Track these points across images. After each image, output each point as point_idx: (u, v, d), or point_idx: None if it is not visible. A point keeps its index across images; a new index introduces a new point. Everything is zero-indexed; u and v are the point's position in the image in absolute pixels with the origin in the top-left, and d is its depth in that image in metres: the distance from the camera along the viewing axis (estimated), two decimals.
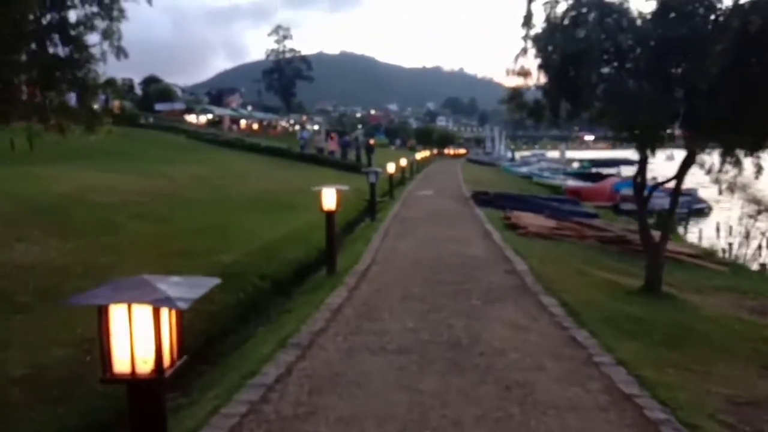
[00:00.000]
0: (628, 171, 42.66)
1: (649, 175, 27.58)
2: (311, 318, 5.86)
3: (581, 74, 6.42)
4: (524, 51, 7.02)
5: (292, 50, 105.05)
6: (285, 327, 5.93)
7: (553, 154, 73.65)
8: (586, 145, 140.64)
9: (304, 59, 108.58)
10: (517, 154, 71.15)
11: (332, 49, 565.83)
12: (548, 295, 6.87)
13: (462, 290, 7.14)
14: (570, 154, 73.56)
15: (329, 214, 7.87)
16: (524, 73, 7.24)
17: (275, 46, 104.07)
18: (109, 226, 10.60)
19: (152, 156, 23.16)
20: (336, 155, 33.33)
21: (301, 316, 6.12)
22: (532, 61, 7.04)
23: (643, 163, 7.55)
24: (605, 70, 6.53)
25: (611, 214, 21.16)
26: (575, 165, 48.37)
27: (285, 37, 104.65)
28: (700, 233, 18.12)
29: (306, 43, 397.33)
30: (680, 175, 7.46)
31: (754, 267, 12.86)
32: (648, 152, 7.04)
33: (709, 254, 12.27)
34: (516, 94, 7.54)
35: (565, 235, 11.44)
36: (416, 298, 6.78)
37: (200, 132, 38.06)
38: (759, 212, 13.26)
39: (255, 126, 60.42)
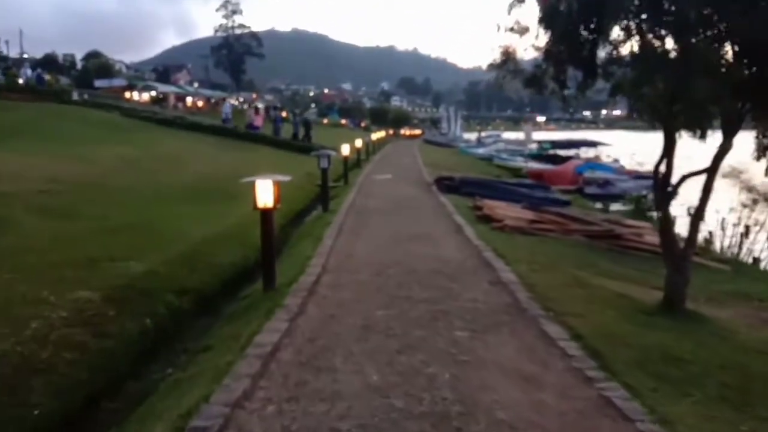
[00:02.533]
0: (588, 153, 42.03)
1: (620, 156, 26.43)
2: (231, 371, 4.06)
3: (601, 29, 4.74)
4: None
5: (241, 26, 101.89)
6: (192, 387, 4.12)
7: (510, 135, 72.93)
8: (538, 126, 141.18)
9: (255, 36, 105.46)
10: (467, 135, 69.93)
11: (284, 26, 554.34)
12: (552, 321, 5.25)
13: (440, 313, 5.45)
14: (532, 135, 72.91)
15: (265, 214, 6.04)
16: (520, 29, 5.53)
17: (224, 21, 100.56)
18: None
19: (76, 135, 20.65)
20: (261, 131, 31.25)
21: (219, 365, 4.30)
22: (530, 13, 5.32)
23: (669, 150, 5.92)
24: (632, 23, 4.86)
25: (581, 200, 19.90)
26: (532, 146, 47.43)
27: (234, 12, 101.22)
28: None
29: (257, 19, 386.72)
30: (715, 167, 5.83)
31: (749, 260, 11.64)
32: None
33: (706, 250, 10.94)
34: (509, 57, 5.80)
35: (546, 229, 9.90)
36: (381, 328, 5.05)
37: (137, 109, 35.19)
38: (755, 201, 11.99)
39: (200, 104, 57.28)
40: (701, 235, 14.95)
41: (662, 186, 6.15)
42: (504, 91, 6.42)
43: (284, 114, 58.06)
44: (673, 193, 6.26)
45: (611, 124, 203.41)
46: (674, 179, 6.40)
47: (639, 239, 10.01)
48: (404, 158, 30.51)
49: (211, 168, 17.15)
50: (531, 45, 5.54)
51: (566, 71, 5.46)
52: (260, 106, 47.25)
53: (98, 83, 61.43)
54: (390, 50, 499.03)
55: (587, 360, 4.43)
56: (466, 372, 4.20)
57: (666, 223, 6.33)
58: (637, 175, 28.11)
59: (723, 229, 12.48)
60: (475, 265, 7.33)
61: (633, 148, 53.98)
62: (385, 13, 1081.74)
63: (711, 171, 5.79)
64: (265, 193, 5.96)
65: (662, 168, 6.17)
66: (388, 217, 11.04)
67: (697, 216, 6.17)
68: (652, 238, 10.50)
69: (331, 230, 9.47)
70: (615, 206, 20.00)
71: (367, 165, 24.68)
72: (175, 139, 24.00)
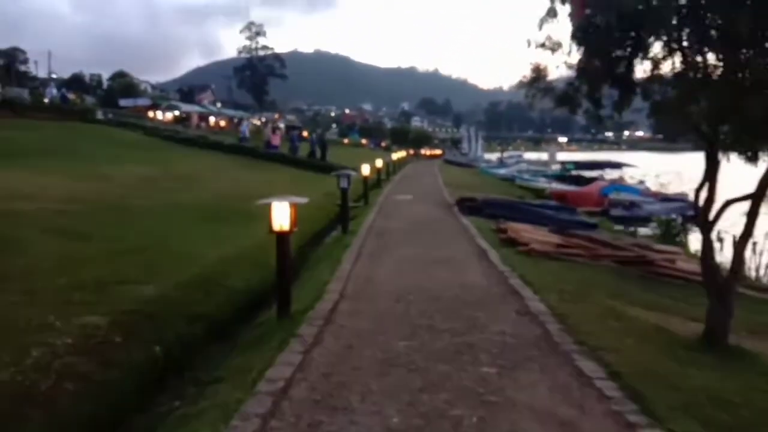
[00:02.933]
0: (612, 174, 41.36)
1: (646, 179, 25.91)
2: (241, 410, 3.74)
3: (640, 44, 4.40)
4: (552, 12, 5.00)
5: (265, 47, 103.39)
6: (199, 425, 3.81)
7: (531, 155, 72.32)
8: (560, 147, 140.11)
9: (278, 57, 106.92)
10: (488, 155, 69.46)
11: (307, 47, 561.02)
12: (587, 357, 4.86)
13: (465, 346, 5.09)
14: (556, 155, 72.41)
15: (281, 237, 5.75)
16: (552, 45, 5.21)
17: (247, 42, 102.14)
18: (10, 245, 8.36)
19: (98, 154, 20.76)
20: (278, 150, 31.27)
21: (228, 401, 3.99)
22: (563, 28, 5.01)
23: (712, 173, 5.51)
24: (674, 38, 4.51)
25: (608, 223, 19.35)
26: (555, 167, 46.89)
27: (258, 34, 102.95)
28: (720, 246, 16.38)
29: (280, 42, 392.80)
30: (762, 191, 5.37)
31: None
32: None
33: (742, 277, 10.39)
34: (540, 74, 5.48)
35: (574, 254, 9.48)
36: (402, 362, 4.71)
37: (159, 128, 35.49)
38: None
39: (223, 123, 57.75)
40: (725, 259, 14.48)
41: (704, 211, 5.72)
42: (534, 110, 6.09)
43: (305, 134, 58.25)
44: (716, 220, 5.84)
45: (634, 145, 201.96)
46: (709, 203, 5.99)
47: (671, 266, 9.55)
48: (425, 178, 30.21)
49: (230, 187, 17.01)
50: (563, 62, 5.23)
51: (601, 89, 5.13)
52: (281, 126, 47.40)
53: (123, 102, 62.52)
54: (411, 71, 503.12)
55: (627, 402, 4.03)
56: (494, 415, 3.83)
57: (708, 250, 5.90)
58: (664, 198, 27.51)
59: (756, 253, 11.94)
60: (502, 293, 6.96)
61: (657, 170, 53.24)
62: (405, 35, 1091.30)
63: (757, 196, 5.37)
64: (281, 216, 5.68)
65: (703, 192, 5.74)
66: (409, 240, 10.71)
67: (741, 244, 5.74)
68: (685, 264, 10.04)
69: (349, 253, 9.17)
70: (643, 230, 19.45)
71: (388, 185, 24.42)
72: (195, 159, 24.01)
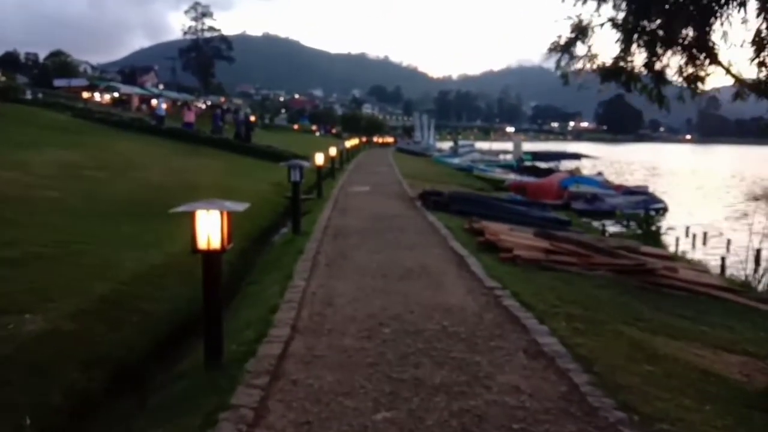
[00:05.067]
0: (566, 165, 40.78)
1: (595, 170, 25.26)
2: None
3: None
4: None
5: (211, 29, 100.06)
6: None
7: (482, 144, 71.70)
8: (507, 137, 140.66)
9: (225, 39, 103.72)
10: (440, 144, 68.63)
11: (256, 30, 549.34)
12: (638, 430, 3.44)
13: (470, 419, 3.59)
14: (497, 146, 72.09)
15: (210, 259, 4.10)
16: None
17: (193, 23, 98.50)
18: None
19: (15, 137, 18.31)
20: (193, 128, 29.21)
21: None
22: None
23: None
24: None
25: (575, 218, 18.21)
26: (507, 157, 46.15)
27: (204, 15, 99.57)
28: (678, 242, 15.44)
29: (228, 24, 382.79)
30: None
31: None
32: None
33: (747, 287, 9.30)
34: (581, 34, 3.95)
35: (566, 262, 8.14)
36: None
37: (92, 110, 32.70)
38: None
39: (165, 106, 54.66)
40: (715, 264, 13.50)
41: None
42: (570, 85, 4.63)
43: (253, 118, 55.56)
44: None
45: (579, 135, 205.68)
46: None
47: (674, 275, 8.33)
48: (380, 167, 28.69)
49: (164, 176, 15.04)
50: (609, 19, 3.76)
51: (662, 56, 3.71)
52: (202, 104, 44.07)
53: (57, 83, 58.68)
54: (361, 57, 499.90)
55: None
56: None
57: None
58: (627, 191, 26.81)
59: (757, 261, 10.86)
60: (498, 321, 5.49)
61: (611, 160, 53.32)
62: (356, 20, 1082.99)
63: None
64: (209, 229, 4.03)
65: None
66: (372, 243, 9.16)
67: None
68: (688, 273, 8.86)
69: (303, 262, 7.55)
70: (612, 227, 18.46)
71: (342, 175, 22.79)
72: (128, 143, 21.76)
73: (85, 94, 47.76)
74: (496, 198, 16.27)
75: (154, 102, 55.88)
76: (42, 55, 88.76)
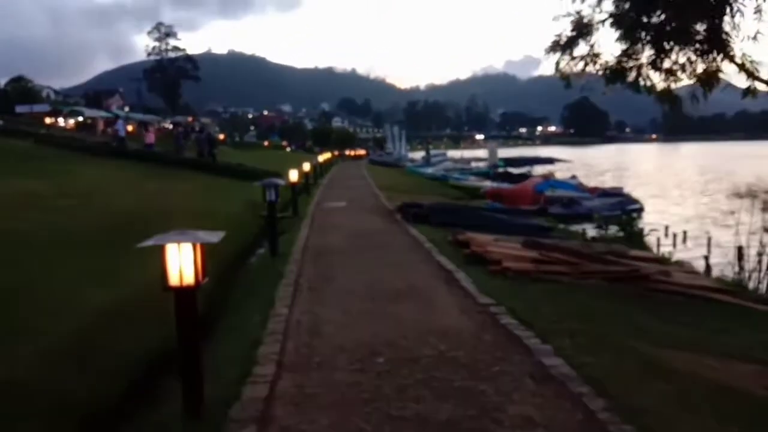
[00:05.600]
0: (540, 170, 40.83)
1: (568, 173, 25.19)
2: None
3: None
4: None
5: (176, 48, 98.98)
6: None
7: (454, 153, 71.84)
8: (477, 144, 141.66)
9: (190, 58, 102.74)
10: (412, 155, 68.63)
11: (220, 49, 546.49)
12: None
13: None
14: (468, 153, 72.37)
15: (183, 295, 3.69)
16: None
17: (156, 44, 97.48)
18: None
19: None
20: (154, 149, 28.45)
21: None
22: None
23: None
24: None
25: (552, 221, 18.04)
26: (480, 165, 46.15)
27: (168, 35, 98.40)
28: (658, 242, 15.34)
29: (192, 43, 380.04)
30: None
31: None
32: None
33: (741, 287, 9.12)
34: (583, 31, 3.65)
35: (557, 272, 7.85)
36: None
37: (55, 136, 31.77)
38: None
39: (130, 128, 53.67)
40: (699, 264, 13.38)
41: None
42: (571, 86, 4.31)
43: (222, 137, 54.55)
44: None
45: (547, 140, 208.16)
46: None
47: (668, 280, 8.10)
48: (355, 180, 28.33)
49: (132, 202, 14.44)
50: (610, 14, 3.46)
51: (671, 52, 3.42)
52: (166, 124, 42.72)
53: (19, 109, 57.19)
54: (328, 72, 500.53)
55: None
56: None
57: None
58: (602, 193, 26.85)
59: (740, 259, 10.70)
60: (498, 342, 5.15)
61: (582, 163, 53.62)
62: (322, 35, 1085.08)
63: None
64: (181, 263, 3.61)
65: None
66: (355, 262, 8.78)
67: None
68: (680, 276, 8.65)
69: (284, 287, 7.13)
70: (590, 230, 18.33)
71: (317, 190, 22.38)
72: (93, 169, 20.98)
73: (48, 120, 46.51)
74: (477, 207, 16.03)
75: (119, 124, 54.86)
76: (2, 81, 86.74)
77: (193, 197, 17.06)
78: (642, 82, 3.79)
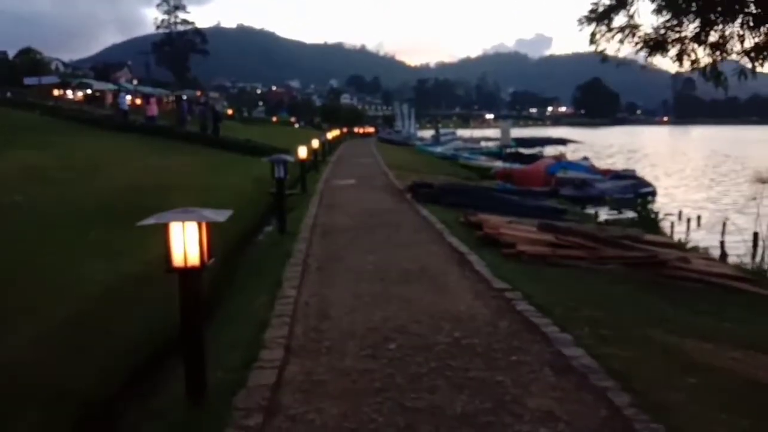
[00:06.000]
0: (551, 151, 40.35)
1: (579, 154, 24.87)
2: None
3: None
4: None
5: (184, 21, 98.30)
6: None
7: (464, 132, 71.30)
8: (487, 124, 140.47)
9: (198, 32, 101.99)
10: (421, 133, 68.15)
11: (230, 23, 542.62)
12: None
13: None
14: (478, 133, 71.82)
15: (188, 277, 3.48)
16: None
17: (165, 17, 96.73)
18: None
19: None
20: (156, 122, 27.93)
21: None
22: None
23: None
24: None
25: (565, 203, 17.75)
26: (490, 144, 45.70)
27: (176, 8, 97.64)
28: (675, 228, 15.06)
29: (202, 17, 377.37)
30: None
31: None
32: None
33: (761, 275, 8.85)
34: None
35: (574, 257, 7.62)
36: None
37: (62, 108, 31.58)
38: None
39: (139, 101, 53.40)
40: (715, 250, 13.11)
41: None
42: (609, 61, 4.01)
43: (230, 112, 54.01)
44: None
45: (557, 120, 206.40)
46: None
47: (687, 266, 7.85)
48: (364, 158, 28.03)
49: (138, 176, 14.26)
50: None
51: (718, 24, 3.15)
52: (146, 94, 41.40)
53: (27, 81, 56.98)
54: (338, 47, 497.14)
55: None
56: None
57: None
58: (614, 175, 26.46)
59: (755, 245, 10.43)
60: (515, 330, 4.93)
61: (593, 144, 53.04)
62: (332, 10, 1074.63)
63: None
64: (185, 243, 3.40)
65: None
66: (364, 241, 8.57)
67: None
68: (699, 263, 8.39)
69: (292, 267, 6.93)
70: (603, 213, 18.06)
71: (325, 167, 22.12)
72: (100, 141, 20.84)
73: (56, 92, 46.27)
74: (488, 188, 15.75)
75: (126, 97, 54.59)
76: (11, 54, 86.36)
77: (200, 172, 16.87)
78: (686, 58, 3.52)
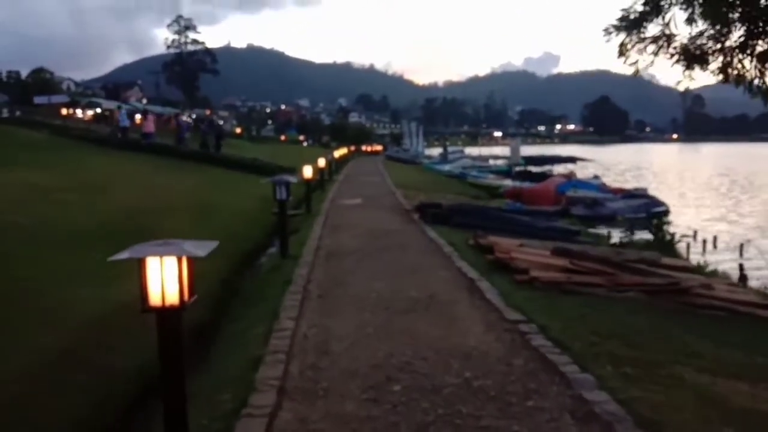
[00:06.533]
0: (560, 169, 39.93)
1: (589, 172, 24.43)
2: None
3: None
4: None
5: (195, 41, 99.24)
6: None
7: (471, 150, 71.13)
8: (495, 142, 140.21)
9: (209, 51, 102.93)
10: (429, 151, 68.14)
11: (240, 43, 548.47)
12: None
13: None
14: (486, 151, 71.61)
15: (166, 317, 3.11)
16: None
17: (176, 37, 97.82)
18: None
19: None
20: (154, 139, 27.45)
21: None
22: None
23: None
24: None
25: (577, 223, 17.29)
26: (499, 162, 45.39)
27: (187, 28, 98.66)
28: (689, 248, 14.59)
29: (212, 37, 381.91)
30: None
31: None
32: None
33: None
34: (654, 6, 2.98)
35: (590, 283, 7.19)
36: None
37: (70, 127, 31.55)
38: None
39: (127, 116, 53.55)
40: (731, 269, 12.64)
41: None
42: (636, 75, 3.66)
43: (239, 131, 53.83)
44: None
45: (565, 138, 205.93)
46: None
47: (711, 294, 7.40)
48: (371, 177, 27.71)
49: (141, 196, 13.97)
50: None
51: (765, 32, 2.78)
52: (145, 110, 40.87)
53: (38, 100, 57.36)
54: (346, 67, 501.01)
55: None
56: None
57: None
58: (626, 194, 25.99)
59: None
60: (530, 369, 4.52)
61: (604, 163, 52.59)
62: (341, 30, 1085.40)
63: None
64: (162, 279, 3.03)
65: None
66: (369, 266, 8.19)
67: None
68: (724, 290, 7.93)
69: (291, 295, 6.55)
70: (616, 233, 17.57)
71: (332, 186, 21.80)
72: (106, 161, 20.62)
73: (65, 111, 46.41)
74: (498, 208, 15.33)
75: (136, 117, 54.73)
76: (24, 73, 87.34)
77: (205, 192, 16.58)
78: (730, 71, 3.16)
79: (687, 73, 3.30)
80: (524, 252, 8.40)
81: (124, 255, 3.02)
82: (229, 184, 19.07)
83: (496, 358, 4.73)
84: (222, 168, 23.72)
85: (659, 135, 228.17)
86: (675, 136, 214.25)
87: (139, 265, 3.06)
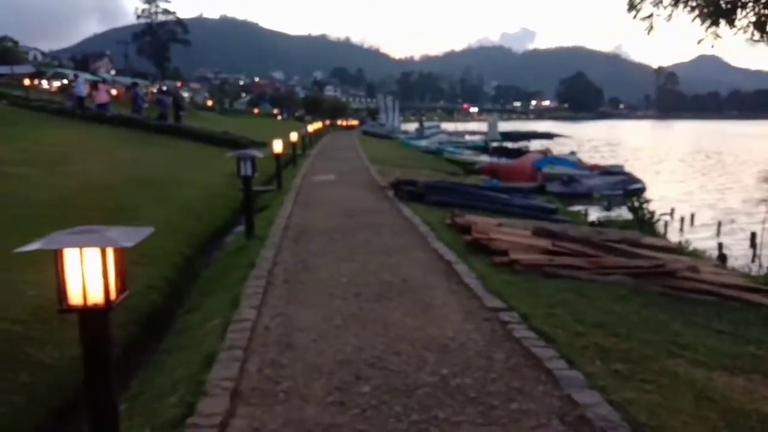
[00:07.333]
0: (536, 145, 39.69)
1: (565, 148, 24.26)
2: None
3: None
4: None
5: (166, 11, 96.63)
6: None
7: (447, 125, 70.65)
8: (471, 117, 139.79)
9: (180, 22, 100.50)
10: (405, 126, 67.58)
11: (212, 13, 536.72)
12: None
13: None
14: (463, 126, 71.25)
15: (89, 319, 2.61)
16: None
17: (146, 6, 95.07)
18: None
19: None
20: (108, 109, 26.28)
21: None
22: None
23: None
24: None
25: (553, 200, 17.01)
26: (475, 138, 45.03)
27: None
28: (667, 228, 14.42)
29: (183, 6, 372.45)
30: None
31: None
32: None
33: (761, 281, 8.12)
34: None
35: (573, 266, 6.83)
36: None
37: (30, 98, 30.25)
38: None
39: (114, 92, 51.89)
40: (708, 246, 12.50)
41: None
42: (651, 31, 3.23)
43: (210, 103, 52.59)
44: None
45: (541, 114, 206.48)
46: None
47: (697, 277, 7.10)
48: (345, 152, 27.10)
49: (105, 170, 13.27)
50: None
51: None
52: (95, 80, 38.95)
53: (0, 70, 55.17)
54: (322, 39, 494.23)
55: None
56: None
57: None
58: (603, 171, 25.84)
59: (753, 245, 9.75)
60: (513, 365, 4.12)
61: (579, 139, 52.55)
62: (316, 2, 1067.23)
63: None
64: (83, 274, 2.53)
65: None
66: (341, 247, 7.73)
67: None
68: (710, 273, 7.65)
69: (255, 280, 6.06)
70: (594, 212, 17.38)
71: (305, 161, 21.19)
72: (68, 134, 19.70)
73: (28, 82, 44.59)
74: (475, 185, 14.93)
75: (102, 85, 52.84)
76: None
77: (171, 166, 15.88)
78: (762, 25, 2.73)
79: (712, 29, 2.88)
80: (503, 232, 8.01)
81: (35, 246, 2.51)
82: (197, 159, 18.37)
83: (476, 351, 4.32)
84: (191, 141, 22.93)
85: (633, 112, 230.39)
86: (648, 113, 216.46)
87: (55, 257, 2.54)
